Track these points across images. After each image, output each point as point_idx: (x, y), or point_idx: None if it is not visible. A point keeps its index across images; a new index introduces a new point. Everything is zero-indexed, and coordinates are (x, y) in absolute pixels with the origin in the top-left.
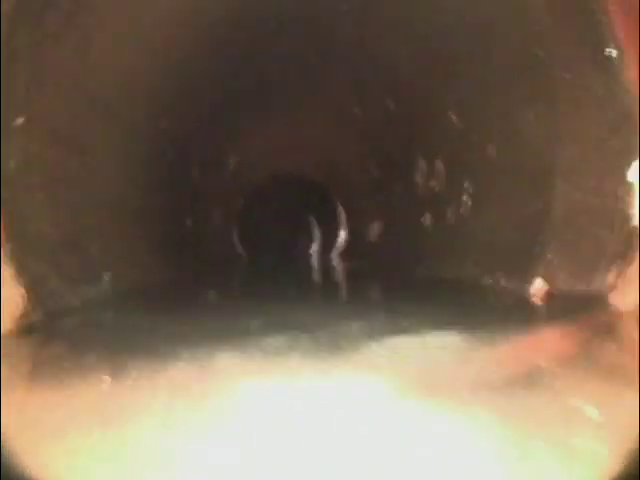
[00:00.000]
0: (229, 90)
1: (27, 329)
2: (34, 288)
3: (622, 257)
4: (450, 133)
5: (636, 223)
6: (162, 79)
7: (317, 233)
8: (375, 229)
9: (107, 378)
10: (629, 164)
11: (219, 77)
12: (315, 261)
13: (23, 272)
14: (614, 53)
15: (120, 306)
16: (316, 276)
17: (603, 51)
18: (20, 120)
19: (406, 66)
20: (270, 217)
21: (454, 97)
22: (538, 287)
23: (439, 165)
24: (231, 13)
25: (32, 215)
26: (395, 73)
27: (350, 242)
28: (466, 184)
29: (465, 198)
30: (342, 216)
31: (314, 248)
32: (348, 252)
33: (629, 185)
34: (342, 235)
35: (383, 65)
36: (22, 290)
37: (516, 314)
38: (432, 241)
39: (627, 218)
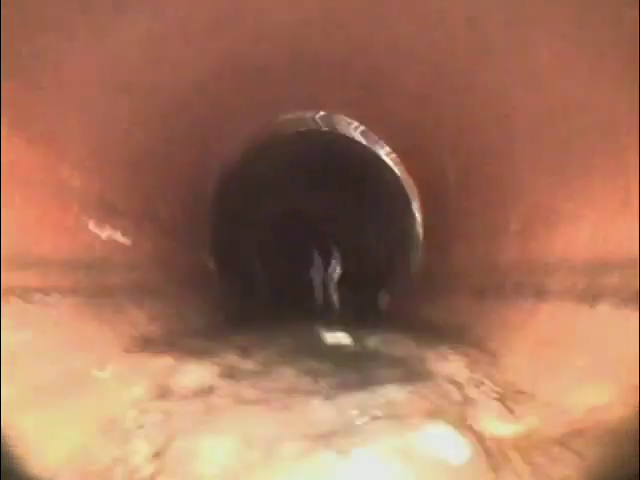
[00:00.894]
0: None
1: None
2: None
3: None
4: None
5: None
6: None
7: (321, 266)
8: (354, 266)
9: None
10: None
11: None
12: (317, 284)
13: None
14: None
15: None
16: (318, 295)
17: None
18: None
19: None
20: (286, 253)
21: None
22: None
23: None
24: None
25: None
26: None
27: (341, 274)
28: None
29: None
30: (337, 257)
31: (318, 277)
32: (340, 281)
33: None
34: (337, 269)
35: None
36: None
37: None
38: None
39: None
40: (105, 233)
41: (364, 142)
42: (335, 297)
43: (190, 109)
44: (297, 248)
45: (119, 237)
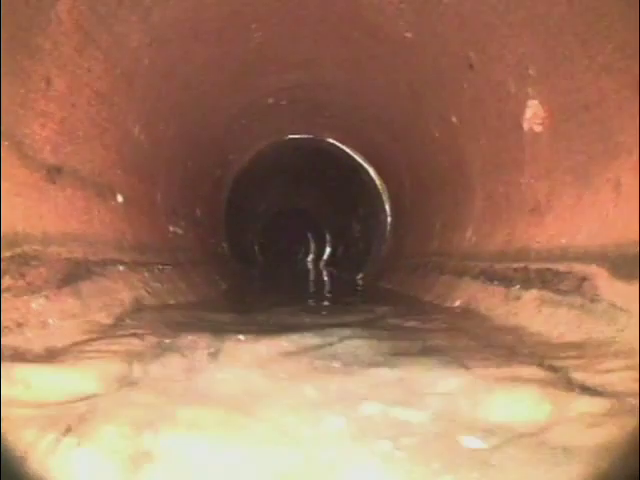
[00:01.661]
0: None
1: None
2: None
3: None
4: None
5: None
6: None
7: (312, 248)
8: (341, 250)
9: None
10: None
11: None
12: (310, 265)
13: None
14: None
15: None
16: (311, 274)
17: None
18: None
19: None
20: (281, 236)
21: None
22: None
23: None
24: None
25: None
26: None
27: (330, 255)
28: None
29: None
30: (328, 239)
31: (310, 257)
32: (328, 261)
33: None
34: (327, 250)
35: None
36: None
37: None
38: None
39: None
40: (172, 228)
41: (350, 152)
42: (324, 275)
43: (214, 136)
44: (294, 237)
45: (178, 230)
